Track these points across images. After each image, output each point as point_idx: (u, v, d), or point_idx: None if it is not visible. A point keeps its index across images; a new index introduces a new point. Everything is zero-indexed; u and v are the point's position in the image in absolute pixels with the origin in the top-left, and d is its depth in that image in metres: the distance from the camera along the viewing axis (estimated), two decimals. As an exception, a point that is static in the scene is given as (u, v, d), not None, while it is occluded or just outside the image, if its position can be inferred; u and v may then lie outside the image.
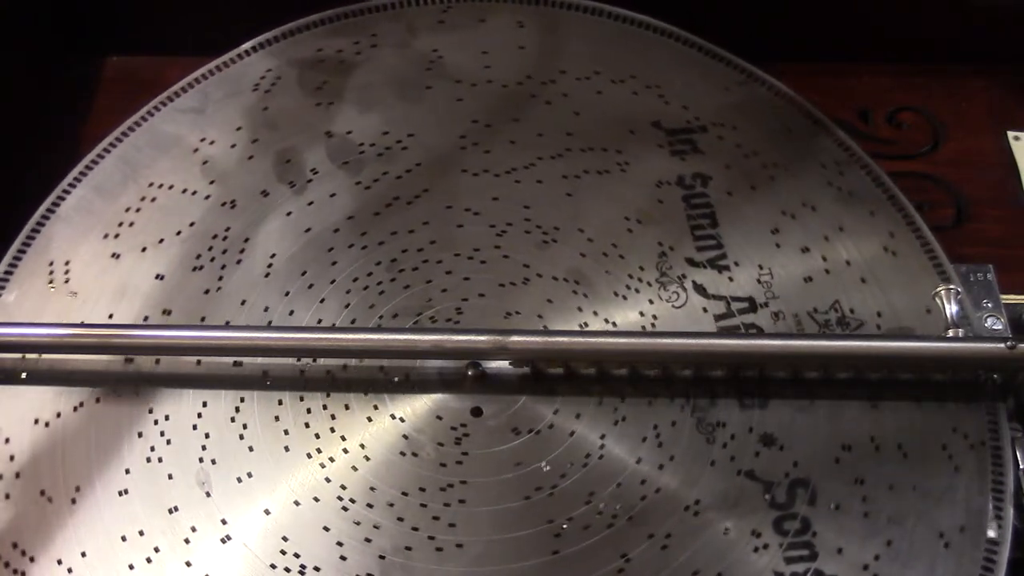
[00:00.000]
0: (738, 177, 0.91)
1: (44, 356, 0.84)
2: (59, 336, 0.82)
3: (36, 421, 0.82)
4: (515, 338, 0.80)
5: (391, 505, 0.78)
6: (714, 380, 0.82)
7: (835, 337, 0.83)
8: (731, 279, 0.86)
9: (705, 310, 0.85)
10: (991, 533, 0.77)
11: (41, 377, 0.84)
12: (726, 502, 0.78)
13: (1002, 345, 0.79)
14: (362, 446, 0.80)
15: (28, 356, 0.84)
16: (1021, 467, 0.79)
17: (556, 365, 0.82)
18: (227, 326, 0.84)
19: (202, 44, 1.02)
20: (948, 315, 0.81)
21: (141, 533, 0.78)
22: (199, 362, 0.84)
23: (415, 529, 0.77)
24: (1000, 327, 0.86)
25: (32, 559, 0.78)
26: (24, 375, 0.84)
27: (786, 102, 0.95)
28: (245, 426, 0.82)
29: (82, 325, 0.83)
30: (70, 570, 0.77)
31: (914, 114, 1.06)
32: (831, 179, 0.90)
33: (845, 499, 0.78)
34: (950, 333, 0.81)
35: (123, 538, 0.78)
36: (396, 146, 0.94)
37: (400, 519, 0.78)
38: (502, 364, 0.83)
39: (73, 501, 0.80)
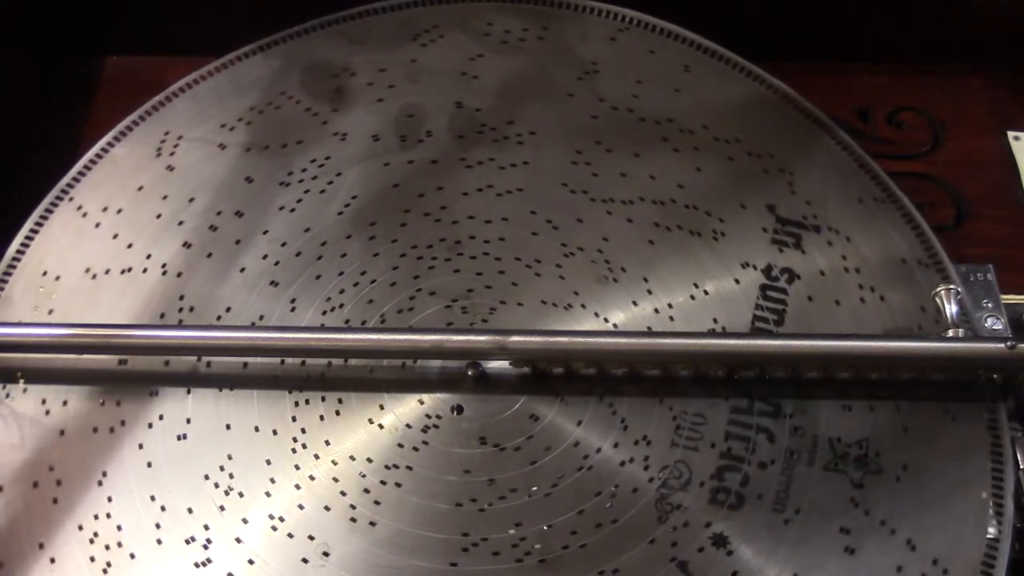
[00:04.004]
0: (828, 287, 0.86)
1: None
2: (58, 336, 0.82)
3: (87, 269, 0.87)
4: (515, 338, 0.79)
5: (334, 463, 0.78)
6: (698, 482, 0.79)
7: (835, 337, 0.81)
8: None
9: (726, 398, 0.81)
10: (991, 532, 0.75)
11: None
12: (642, 583, 0.75)
13: (1002, 345, 0.79)
14: (339, 400, 0.81)
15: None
16: (1021, 467, 0.79)
17: (556, 365, 0.82)
18: (228, 326, 0.84)
19: (202, 44, 1.03)
20: (948, 315, 0.82)
21: (118, 404, 0.81)
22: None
23: (343, 493, 0.77)
24: (1000, 327, 0.85)
25: (25, 390, 0.82)
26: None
27: (925, 250, 0.89)
28: (251, 342, 0.83)
29: (81, 325, 0.83)
30: (44, 403, 0.82)
31: (914, 114, 1.04)
32: (923, 323, 0.85)
33: (772, 628, 0.74)
34: (950, 333, 0.81)
35: (102, 404, 0.82)
36: (514, 138, 0.93)
37: (335, 479, 0.78)
38: (503, 364, 0.82)
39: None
